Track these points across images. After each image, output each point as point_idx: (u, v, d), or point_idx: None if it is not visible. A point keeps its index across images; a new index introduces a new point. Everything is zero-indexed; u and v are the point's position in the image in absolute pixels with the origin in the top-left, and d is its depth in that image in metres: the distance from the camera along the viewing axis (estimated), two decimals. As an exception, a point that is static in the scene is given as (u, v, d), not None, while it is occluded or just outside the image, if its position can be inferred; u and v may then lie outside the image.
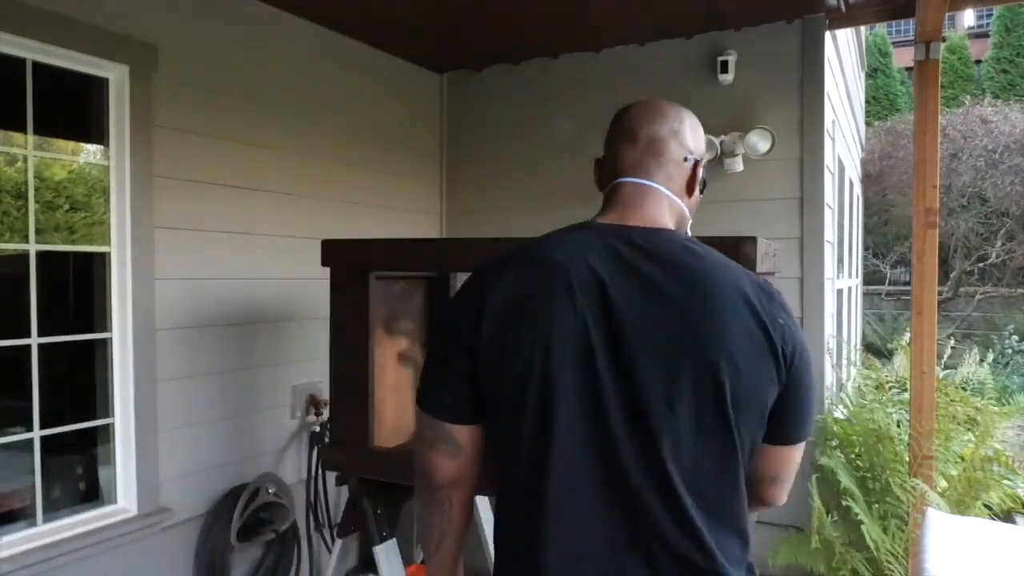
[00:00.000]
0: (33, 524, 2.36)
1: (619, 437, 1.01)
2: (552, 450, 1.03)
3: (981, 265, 10.64)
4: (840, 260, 4.70)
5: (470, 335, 1.08)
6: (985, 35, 14.90)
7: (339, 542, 2.41)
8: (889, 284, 11.38)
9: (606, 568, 1.02)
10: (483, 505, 2.63)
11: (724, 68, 3.39)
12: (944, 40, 3.49)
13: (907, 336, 4.38)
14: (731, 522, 1.05)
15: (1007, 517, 3.54)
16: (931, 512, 2.66)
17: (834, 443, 3.32)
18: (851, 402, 3.76)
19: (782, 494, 1.18)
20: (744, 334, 1.02)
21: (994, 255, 10.36)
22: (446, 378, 1.13)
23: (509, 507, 1.13)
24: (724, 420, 1.01)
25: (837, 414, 3.64)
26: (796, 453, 1.15)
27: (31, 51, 2.31)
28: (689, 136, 1.20)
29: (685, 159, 1.19)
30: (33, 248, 2.34)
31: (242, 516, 2.80)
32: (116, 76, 2.53)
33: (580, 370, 1.02)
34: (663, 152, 1.18)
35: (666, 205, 1.17)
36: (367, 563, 2.37)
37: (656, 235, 1.11)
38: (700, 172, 1.22)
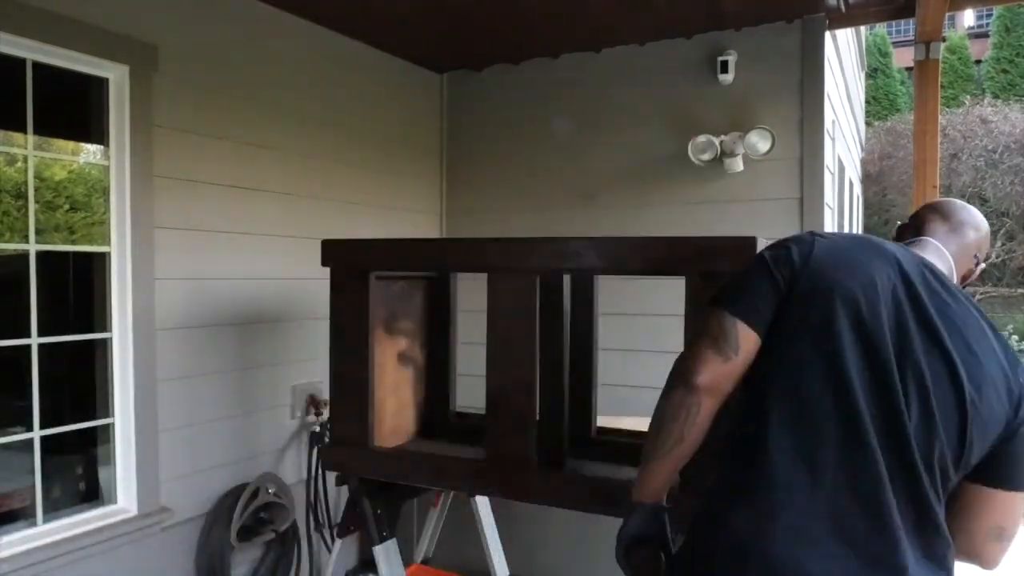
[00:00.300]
0: (33, 524, 2.36)
1: (900, 411, 1.13)
2: (830, 396, 1.15)
3: (981, 265, 10.63)
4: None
5: (799, 259, 1.23)
6: (985, 35, 14.92)
7: (339, 542, 2.41)
8: (889, 284, 11.37)
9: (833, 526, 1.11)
10: (483, 504, 2.63)
11: (724, 68, 3.39)
12: (944, 40, 3.49)
13: (907, 336, 4.38)
14: (942, 548, 1.15)
15: (1007, 517, 3.54)
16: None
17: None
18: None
19: (1000, 554, 1.23)
20: (997, 377, 1.17)
21: (994, 255, 10.36)
22: (760, 285, 1.25)
23: (769, 432, 1.18)
24: (957, 445, 1.14)
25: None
26: (1020, 503, 1.22)
27: (31, 51, 2.31)
28: (985, 242, 1.46)
29: (975, 256, 1.44)
30: (33, 248, 2.34)
31: (242, 516, 2.80)
32: (116, 76, 2.53)
33: (873, 337, 1.15)
34: (964, 238, 1.42)
35: (948, 271, 1.36)
36: (367, 563, 2.38)
37: (948, 278, 1.29)
38: (976, 272, 1.47)
